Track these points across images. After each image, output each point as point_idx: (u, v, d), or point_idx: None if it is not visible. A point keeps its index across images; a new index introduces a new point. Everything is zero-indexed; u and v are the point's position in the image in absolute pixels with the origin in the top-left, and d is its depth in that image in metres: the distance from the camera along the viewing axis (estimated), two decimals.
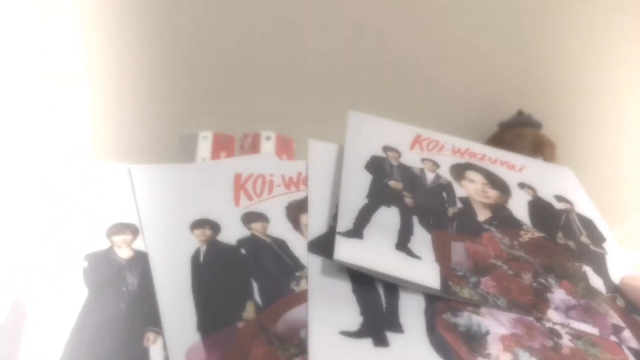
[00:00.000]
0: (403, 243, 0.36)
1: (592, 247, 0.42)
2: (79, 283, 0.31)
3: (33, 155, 0.82)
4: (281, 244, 0.35)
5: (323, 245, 0.34)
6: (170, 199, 0.37)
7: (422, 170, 0.46)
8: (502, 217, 0.42)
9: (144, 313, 0.30)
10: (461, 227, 0.40)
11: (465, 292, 0.33)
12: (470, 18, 0.90)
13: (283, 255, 0.34)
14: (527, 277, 0.36)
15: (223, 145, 0.75)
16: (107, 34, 0.85)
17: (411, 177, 0.44)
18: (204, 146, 0.74)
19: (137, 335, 0.29)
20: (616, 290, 0.38)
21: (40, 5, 0.81)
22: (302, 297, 0.32)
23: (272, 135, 0.74)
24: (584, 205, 0.47)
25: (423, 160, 0.47)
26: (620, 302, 0.37)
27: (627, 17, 0.90)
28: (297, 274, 0.33)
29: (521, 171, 0.50)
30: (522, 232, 0.41)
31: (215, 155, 0.74)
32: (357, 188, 0.40)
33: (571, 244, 0.41)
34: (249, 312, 0.30)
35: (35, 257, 0.33)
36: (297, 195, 0.39)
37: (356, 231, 0.36)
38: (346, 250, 0.33)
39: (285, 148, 0.72)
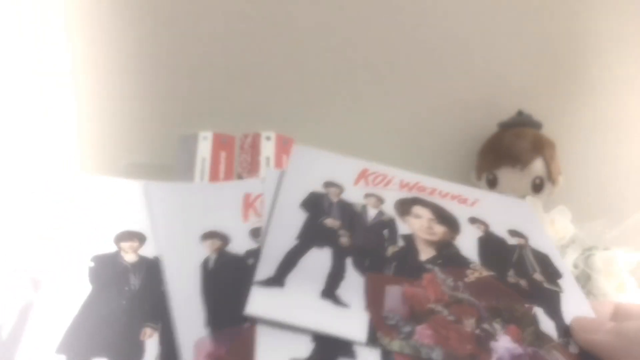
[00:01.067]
0: (330, 289, 0.32)
1: (545, 284, 0.39)
2: (84, 281, 0.34)
3: (40, 161, 0.85)
4: None
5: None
6: (184, 212, 0.40)
7: (364, 206, 0.43)
8: (447, 255, 0.39)
9: (143, 310, 0.32)
10: (400, 268, 0.36)
11: (396, 345, 0.30)
12: (470, 18, 0.89)
13: None
14: (469, 323, 0.33)
15: (223, 145, 0.73)
16: (107, 34, 0.85)
17: (351, 215, 0.41)
18: (204, 146, 0.72)
19: (135, 329, 0.31)
20: (569, 335, 0.34)
21: (37, 4, 0.82)
22: None
23: (272, 135, 0.73)
24: (539, 239, 0.45)
25: (367, 195, 0.44)
26: (573, 349, 0.33)
27: (627, 17, 0.89)
28: None
29: (473, 205, 0.47)
30: (468, 272, 0.38)
31: (215, 155, 0.72)
32: (287, 228, 0.37)
33: (523, 282, 0.38)
34: None
35: (45, 259, 0.35)
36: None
37: (277, 278, 0.32)
38: (261, 303, 0.30)
39: (285, 148, 0.72)
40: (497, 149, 0.86)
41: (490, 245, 0.42)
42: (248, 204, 0.41)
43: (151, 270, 0.35)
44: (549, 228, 0.70)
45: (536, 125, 0.89)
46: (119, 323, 0.31)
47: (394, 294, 0.33)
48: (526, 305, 0.36)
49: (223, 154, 0.72)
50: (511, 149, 0.83)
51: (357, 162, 0.48)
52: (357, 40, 0.89)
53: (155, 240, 0.37)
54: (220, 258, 0.36)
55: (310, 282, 0.32)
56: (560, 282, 0.40)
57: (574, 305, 0.38)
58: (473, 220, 0.44)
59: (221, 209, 0.40)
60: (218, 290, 0.33)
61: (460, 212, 0.45)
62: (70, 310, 0.32)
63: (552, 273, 0.41)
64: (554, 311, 0.36)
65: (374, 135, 0.89)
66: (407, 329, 0.31)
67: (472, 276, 0.37)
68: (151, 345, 0.31)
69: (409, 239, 0.40)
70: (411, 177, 0.49)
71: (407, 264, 0.37)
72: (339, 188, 0.44)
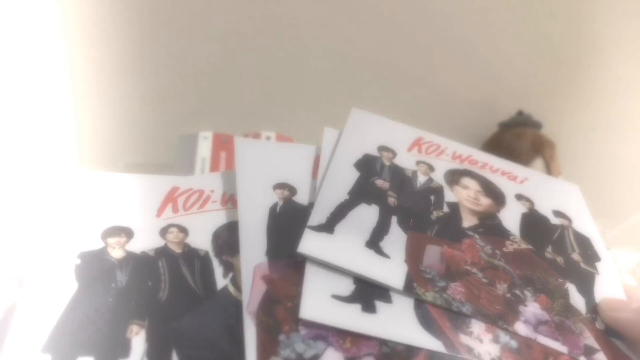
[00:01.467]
0: (374, 241, 0.35)
1: (582, 265, 0.40)
2: (70, 279, 0.33)
3: (34, 156, 0.86)
4: None
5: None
6: (264, 165, 0.42)
7: (414, 172, 0.45)
8: (489, 225, 0.41)
9: (130, 307, 0.32)
10: (442, 231, 0.39)
11: (429, 296, 0.33)
12: (470, 18, 0.89)
13: None
14: (501, 287, 0.35)
15: (223, 145, 0.75)
16: (108, 34, 0.86)
17: (401, 178, 0.44)
18: (204, 146, 0.74)
19: (121, 327, 0.31)
20: (597, 312, 0.36)
21: (38, 5, 0.83)
22: None
23: (272, 135, 0.74)
24: (583, 223, 0.45)
25: (418, 162, 0.46)
26: (599, 325, 0.35)
27: (627, 17, 0.88)
28: None
29: (522, 183, 0.48)
30: (507, 243, 0.40)
31: (215, 155, 0.74)
32: (340, 183, 0.40)
33: (560, 259, 0.40)
34: None
35: (29, 257, 0.35)
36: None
37: (328, 225, 0.35)
38: (312, 244, 0.33)
39: None
40: (497, 149, 0.86)
41: (533, 221, 0.43)
42: (317, 164, 0.44)
43: (138, 265, 0.35)
44: None
45: (536, 125, 0.87)
46: (104, 321, 0.31)
47: (433, 252, 0.36)
48: (560, 280, 0.38)
49: (223, 154, 0.72)
50: (511, 148, 0.83)
51: (412, 130, 0.50)
52: (357, 40, 0.90)
53: (237, 185, 0.39)
54: (286, 205, 0.39)
55: (356, 233, 0.35)
56: (598, 265, 0.41)
57: (607, 287, 0.39)
58: (519, 197, 0.46)
59: (295, 165, 0.43)
60: (280, 230, 0.36)
61: (508, 188, 0.47)
62: (56, 308, 0.32)
63: (591, 255, 0.42)
64: (586, 289, 0.38)
65: None
66: (441, 283, 0.34)
67: (510, 247, 0.39)
68: (137, 342, 0.31)
69: (454, 206, 0.42)
70: (464, 149, 0.50)
71: (449, 228, 0.39)
72: (392, 153, 0.46)
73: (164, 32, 0.86)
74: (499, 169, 0.49)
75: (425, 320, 0.32)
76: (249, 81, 0.91)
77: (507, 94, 0.93)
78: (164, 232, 0.38)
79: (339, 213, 0.37)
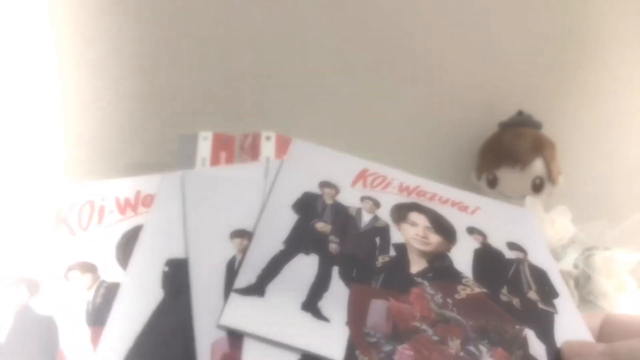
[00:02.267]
0: (312, 302, 0.31)
1: (540, 304, 0.38)
2: (157, 286, 0.32)
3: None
4: None
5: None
6: (214, 206, 0.38)
7: (359, 210, 0.41)
8: (439, 268, 0.38)
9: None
10: (388, 280, 0.35)
11: None
12: (471, 18, 0.89)
13: None
14: (454, 344, 0.32)
15: (223, 145, 0.74)
16: (108, 34, 0.86)
17: (344, 219, 0.40)
18: (204, 146, 0.73)
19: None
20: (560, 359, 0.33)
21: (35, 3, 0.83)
22: None
23: (272, 135, 0.73)
24: (539, 253, 0.43)
25: (363, 198, 0.43)
26: None
27: (627, 17, 0.89)
28: None
29: (474, 213, 0.46)
30: (459, 287, 0.36)
31: (215, 155, 0.73)
32: (275, 231, 0.36)
33: (516, 301, 0.37)
34: None
35: (45, 261, 0.33)
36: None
37: (257, 286, 0.31)
38: (238, 313, 0.29)
39: (285, 148, 0.72)
40: (497, 149, 0.85)
41: (486, 258, 0.41)
42: None
43: None
44: (549, 228, 0.69)
45: (536, 125, 0.88)
46: (186, 337, 0.29)
47: (378, 309, 0.32)
48: (517, 327, 0.35)
49: (223, 154, 0.72)
50: (511, 149, 0.83)
51: (357, 161, 0.47)
52: (357, 40, 0.89)
53: (186, 235, 0.35)
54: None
55: (292, 292, 0.31)
56: (556, 302, 0.38)
57: (568, 328, 0.36)
58: (471, 231, 0.43)
59: (249, 202, 0.38)
60: None
61: (459, 221, 0.44)
62: (142, 316, 0.30)
63: (548, 292, 0.39)
64: (546, 334, 0.35)
65: (373, 135, 0.89)
66: (387, 347, 0.30)
67: (463, 292, 0.36)
68: None
69: (401, 248, 0.38)
70: (412, 180, 0.47)
71: (396, 276, 0.36)
72: (335, 189, 0.43)
73: (164, 32, 0.86)
74: (449, 200, 0.46)
75: None
76: (249, 81, 0.90)
77: (507, 94, 0.92)
78: None
79: (272, 269, 0.33)
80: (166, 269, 0.33)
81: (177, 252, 0.34)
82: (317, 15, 0.87)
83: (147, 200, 0.38)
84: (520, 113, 0.88)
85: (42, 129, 0.87)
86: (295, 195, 0.40)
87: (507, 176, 0.83)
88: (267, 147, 0.71)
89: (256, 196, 0.39)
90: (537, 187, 0.81)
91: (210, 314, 0.30)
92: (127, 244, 0.35)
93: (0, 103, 0.83)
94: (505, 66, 0.92)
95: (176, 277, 0.33)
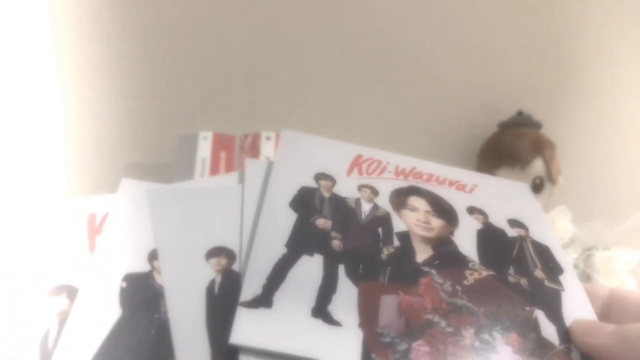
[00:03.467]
0: (322, 307, 0.31)
1: (546, 282, 0.37)
2: (115, 302, 0.31)
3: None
4: None
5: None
6: (186, 224, 0.36)
7: (357, 201, 0.40)
8: (445, 254, 0.37)
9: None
10: (396, 273, 0.35)
11: None
12: (470, 18, 0.90)
13: None
14: (468, 334, 0.31)
15: (223, 145, 0.75)
16: (108, 35, 0.86)
17: (344, 212, 0.39)
18: (204, 146, 0.74)
19: None
20: (570, 340, 0.33)
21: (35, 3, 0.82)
22: None
23: (272, 135, 0.73)
24: (540, 229, 0.43)
25: (360, 187, 0.42)
26: (575, 355, 0.32)
27: (627, 17, 0.90)
28: None
29: (472, 192, 0.45)
30: (467, 272, 0.36)
31: (215, 155, 0.74)
32: (275, 234, 0.35)
33: (523, 281, 0.37)
34: None
35: (73, 272, 0.32)
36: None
37: (265, 298, 0.30)
38: (247, 329, 0.28)
39: None
40: (497, 149, 0.86)
41: (490, 238, 0.40)
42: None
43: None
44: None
45: (536, 125, 0.89)
46: (146, 356, 0.28)
47: (389, 305, 0.32)
48: (527, 309, 0.34)
49: (223, 154, 0.72)
50: (511, 149, 0.83)
51: (350, 148, 0.46)
52: (357, 41, 0.90)
53: (160, 258, 0.33)
54: (226, 279, 0.32)
55: (300, 299, 0.31)
56: (562, 278, 0.38)
57: (575, 305, 0.36)
58: (472, 210, 0.43)
59: (224, 215, 0.36)
60: (225, 320, 0.29)
61: (459, 201, 0.43)
62: (100, 334, 0.29)
63: (553, 268, 0.39)
64: (555, 314, 0.35)
65: (374, 135, 0.91)
66: (403, 346, 0.30)
67: (471, 278, 0.36)
68: None
69: (405, 237, 0.38)
70: (407, 162, 0.46)
71: (403, 268, 0.35)
72: (331, 180, 0.42)
73: (164, 32, 0.86)
74: (446, 179, 0.46)
75: None
76: (249, 81, 0.91)
77: (507, 94, 0.93)
78: None
79: (277, 275, 0.32)
80: (124, 284, 0.32)
81: (136, 267, 0.33)
82: (317, 16, 0.88)
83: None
84: (520, 113, 0.89)
85: (43, 129, 0.87)
86: (292, 191, 0.39)
87: (507, 176, 0.84)
88: (267, 147, 0.71)
89: (231, 207, 0.37)
90: (537, 187, 0.82)
91: (193, 350, 0.28)
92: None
93: (0, 104, 0.83)
94: (505, 66, 0.93)
95: (135, 293, 0.31)
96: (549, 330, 0.33)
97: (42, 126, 0.87)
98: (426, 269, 0.35)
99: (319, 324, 0.30)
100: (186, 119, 0.89)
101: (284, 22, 0.88)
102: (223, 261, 0.33)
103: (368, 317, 0.31)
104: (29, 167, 0.83)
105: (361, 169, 0.44)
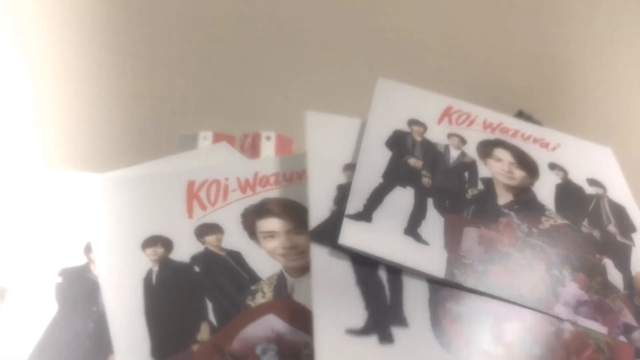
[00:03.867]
0: (413, 227, 0.36)
1: (618, 237, 0.40)
2: (51, 298, 0.30)
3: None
4: (236, 257, 0.34)
5: (325, 233, 0.34)
6: (120, 214, 0.35)
7: (446, 147, 0.44)
8: (524, 201, 0.41)
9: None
10: (478, 211, 0.39)
11: (471, 282, 0.33)
12: (471, 18, 0.90)
13: (238, 269, 0.32)
14: (540, 268, 0.36)
15: None
16: (108, 35, 0.86)
17: (433, 155, 0.43)
18: (204, 146, 0.74)
19: (101, 357, 0.28)
20: (634, 287, 0.36)
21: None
22: (257, 313, 0.31)
23: (272, 135, 0.74)
24: (618, 190, 0.45)
25: (450, 135, 0.46)
26: (637, 301, 0.36)
27: (628, 17, 0.89)
28: (253, 287, 0.32)
29: (555, 150, 0.48)
30: (543, 219, 0.40)
31: None
32: (373, 166, 0.40)
33: (596, 233, 0.40)
34: (204, 333, 0.30)
35: (8, 268, 0.32)
36: (253, 200, 0.38)
37: (366, 214, 0.36)
38: (352, 235, 0.33)
39: (285, 148, 0.73)
40: None
41: (568, 193, 0.43)
42: (192, 194, 0.37)
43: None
44: None
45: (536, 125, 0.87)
46: (83, 350, 0.28)
47: (471, 235, 0.36)
48: (597, 256, 0.38)
49: None
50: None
51: (441, 99, 0.50)
52: (357, 41, 0.89)
53: (92, 249, 0.32)
54: (164, 269, 0.31)
55: (394, 220, 0.36)
56: (634, 236, 0.41)
57: None
58: (553, 166, 0.45)
59: (162, 205, 0.35)
60: (163, 311, 0.30)
61: (541, 157, 0.46)
62: (35, 330, 0.29)
63: (626, 226, 0.42)
64: (623, 264, 0.38)
65: None
66: (481, 268, 0.34)
67: (546, 223, 0.39)
68: None
69: (489, 182, 0.42)
70: (495, 117, 0.49)
71: (485, 208, 0.39)
72: (423, 126, 0.46)
73: (164, 33, 0.87)
74: (531, 136, 0.49)
75: (445, 340, 0.30)
76: (249, 81, 0.91)
77: (507, 94, 0.93)
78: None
79: (376, 199, 0.37)
80: (59, 279, 0.31)
81: (72, 260, 0.32)
82: (317, 15, 0.87)
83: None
84: (520, 113, 0.88)
85: (43, 129, 0.87)
86: (387, 133, 0.44)
87: None
88: (267, 147, 0.71)
89: (172, 194, 0.36)
90: None
91: (133, 343, 0.28)
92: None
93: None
94: (505, 66, 0.92)
95: (71, 287, 0.31)
96: (615, 277, 0.37)
97: (42, 126, 0.87)
98: (506, 210, 0.39)
99: (410, 241, 0.35)
100: (186, 119, 0.89)
101: (285, 22, 0.87)
102: (159, 250, 0.32)
103: (452, 242, 0.35)
104: (28, 167, 0.83)
105: (451, 119, 0.48)
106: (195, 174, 0.39)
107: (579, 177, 0.45)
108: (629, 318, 0.34)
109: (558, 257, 0.37)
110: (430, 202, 0.38)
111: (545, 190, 0.42)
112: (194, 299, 0.31)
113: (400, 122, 0.45)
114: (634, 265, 0.38)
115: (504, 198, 0.41)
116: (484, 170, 0.43)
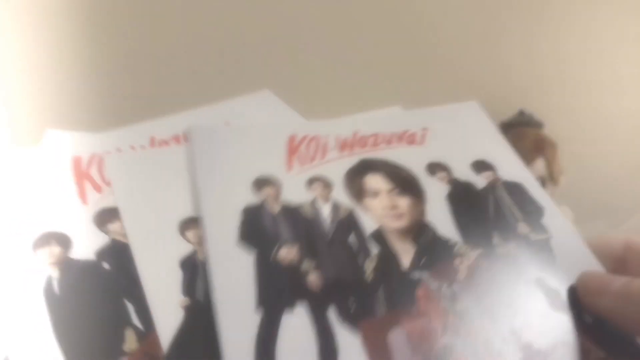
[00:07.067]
0: None
1: (532, 236, 0.35)
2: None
3: None
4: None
5: None
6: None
7: (313, 204, 0.34)
8: (427, 245, 0.33)
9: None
10: (389, 295, 0.30)
11: None
12: (471, 18, 0.88)
13: None
14: (486, 342, 0.29)
15: None
16: (106, 33, 0.82)
17: (304, 227, 0.33)
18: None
19: None
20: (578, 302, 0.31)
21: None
22: None
23: None
24: (506, 161, 0.39)
25: (310, 182, 0.36)
26: (587, 319, 0.31)
27: (627, 17, 0.89)
28: None
29: (424, 141, 0.40)
30: (456, 262, 0.32)
31: None
32: (237, 295, 0.29)
33: (512, 247, 0.34)
34: (131, 342, 0.25)
35: None
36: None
37: None
38: None
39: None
40: None
41: (461, 202, 0.37)
42: (81, 173, 0.32)
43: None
44: None
45: (537, 125, 0.88)
46: None
47: (399, 346, 0.28)
48: (528, 278, 0.32)
49: None
50: (512, 148, 0.81)
51: (278, 130, 0.39)
52: (357, 38, 0.87)
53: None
54: (66, 274, 0.26)
55: None
56: (544, 222, 0.36)
57: (566, 247, 0.34)
58: (432, 169, 0.38)
59: (49, 189, 0.30)
60: (75, 324, 0.25)
61: (415, 160, 0.38)
62: None
63: (532, 212, 0.37)
64: (553, 271, 0.33)
65: None
66: None
67: (462, 267, 0.32)
68: None
69: (379, 237, 0.33)
70: (346, 127, 0.40)
71: (392, 285, 0.31)
72: (274, 185, 0.35)
73: (164, 32, 0.84)
74: (393, 135, 0.40)
75: None
76: (249, 81, 0.85)
77: (507, 93, 0.92)
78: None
79: (264, 355, 0.27)
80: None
81: None
82: (316, 15, 0.85)
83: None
84: (521, 113, 0.88)
85: (41, 128, 0.79)
86: (233, 219, 0.32)
87: None
88: None
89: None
90: None
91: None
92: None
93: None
94: (505, 66, 0.91)
95: None
96: (558, 295, 0.31)
97: (41, 125, 0.78)
98: (416, 275, 0.31)
99: None
100: None
101: (285, 22, 0.85)
102: (56, 250, 0.27)
103: None
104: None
105: (301, 157, 0.37)
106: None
107: (463, 169, 0.38)
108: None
109: (496, 321, 0.30)
110: (332, 316, 0.29)
111: (438, 213, 0.35)
112: (111, 303, 0.26)
113: (245, 191, 0.34)
114: (562, 264, 0.33)
115: (405, 254, 0.33)
116: (366, 220, 0.34)
